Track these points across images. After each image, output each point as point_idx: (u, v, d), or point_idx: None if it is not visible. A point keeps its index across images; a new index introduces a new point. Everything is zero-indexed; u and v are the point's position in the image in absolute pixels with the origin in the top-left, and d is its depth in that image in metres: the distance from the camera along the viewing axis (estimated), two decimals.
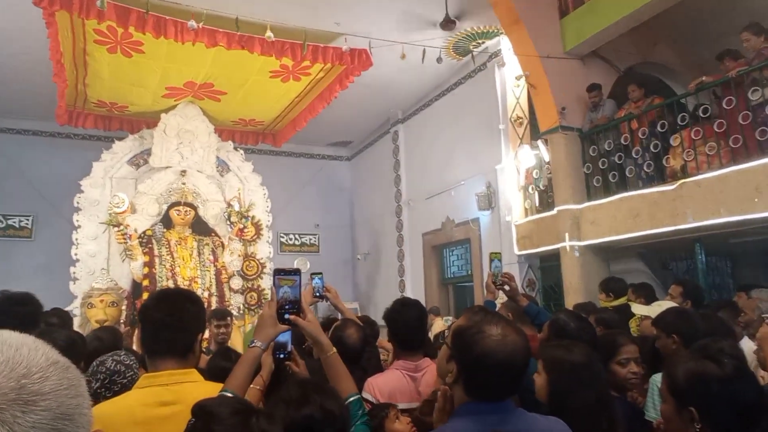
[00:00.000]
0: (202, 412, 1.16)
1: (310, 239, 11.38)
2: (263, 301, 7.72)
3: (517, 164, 7.09)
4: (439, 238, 8.81)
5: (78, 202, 7.59)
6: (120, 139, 8.03)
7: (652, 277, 5.78)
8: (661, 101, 5.80)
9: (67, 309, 4.89)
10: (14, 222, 9.46)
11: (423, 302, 8.62)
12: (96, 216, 7.51)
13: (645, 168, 5.63)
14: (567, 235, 5.98)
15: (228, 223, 7.72)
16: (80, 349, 2.19)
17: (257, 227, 7.95)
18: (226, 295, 7.47)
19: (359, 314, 9.49)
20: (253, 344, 1.58)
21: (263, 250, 8.09)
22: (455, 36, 6.97)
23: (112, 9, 5.38)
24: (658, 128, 5.53)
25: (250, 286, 7.75)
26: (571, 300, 5.76)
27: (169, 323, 1.57)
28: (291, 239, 11.19)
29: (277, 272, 1.64)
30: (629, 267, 6.03)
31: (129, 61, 6.60)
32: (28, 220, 9.50)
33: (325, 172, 11.73)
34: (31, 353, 0.60)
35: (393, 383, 2.35)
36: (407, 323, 2.47)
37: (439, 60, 6.42)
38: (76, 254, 7.42)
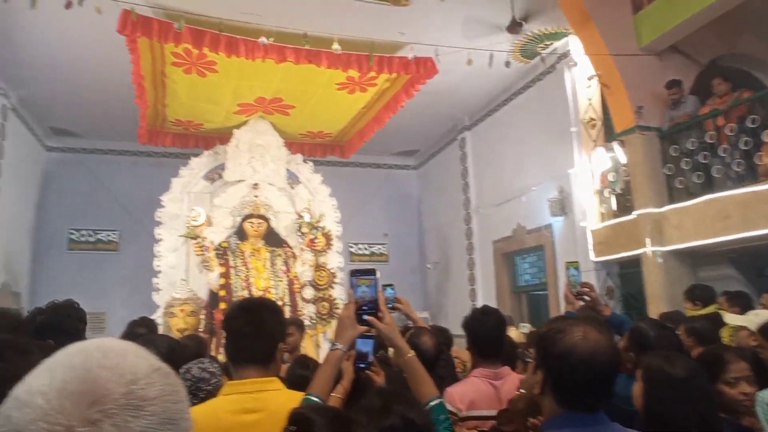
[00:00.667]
0: (301, 418, 1.16)
1: (379, 249, 11.47)
2: (335, 311, 7.83)
3: (591, 167, 6.85)
4: (511, 246, 8.63)
5: (159, 217, 7.92)
6: (196, 155, 8.39)
7: (746, 285, 5.40)
8: (750, 94, 5.43)
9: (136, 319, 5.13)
10: (103, 236, 10.15)
11: None
12: (175, 229, 7.84)
13: (734, 167, 5.28)
14: (648, 240, 5.70)
15: (299, 234, 7.91)
16: (179, 356, 2.29)
17: (327, 238, 8.08)
18: (298, 304, 7.63)
19: (430, 323, 9.45)
20: (334, 347, 1.60)
21: (334, 260, 8.21)
22: (522, 39, 6.84)
23: (187, 32, 5.68)
24: (748, 124, 5.18)
25: (321, 295, 7.88)
26: (654, 309, 5.48)
27: (249, 332, 1.62)
28: (360, 249, 11.33)
29: (354, 273, 1.65)
30: (719, 274, 5.66)
31: (203, 81, 6.92)
32: (115, 234, 10.16)
33: (393, 181, 11.82)
34: (135, 360, 0.62)
35: (473, 390, 2.36)
36: (487, 332, 2.50)
37: (507, 64, 6.33)
38: (158, 266, 7.75)
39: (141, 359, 0.63)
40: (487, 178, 9.34)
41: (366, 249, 11.38)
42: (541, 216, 7.71)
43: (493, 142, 9.17)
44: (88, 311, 6.43)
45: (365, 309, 1.61)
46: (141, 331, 3.16)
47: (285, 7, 5.98)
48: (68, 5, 4.78)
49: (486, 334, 2.50)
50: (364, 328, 1.61)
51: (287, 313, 7.38)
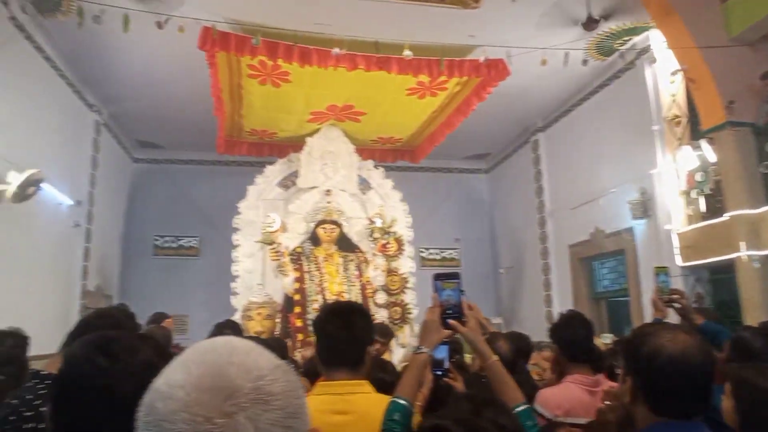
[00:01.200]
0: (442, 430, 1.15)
1: (451, 253, 11.41)
2: (407, 315, 7.86)
3: (676, 167, 6.53)
4: (588, 250, 8.36)
5: (236, 223, 8.20)
6: (270, 163, 8.67)
7: None
8: None
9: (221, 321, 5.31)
10: (185, 242, 10.70)
11: None
12: (252, 235, 8.10)
13: None
14: (743, 243, 5.36)
15: (371, 239, 7.99)
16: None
17: (399, 243, 8.11)
18: (371, 309, 7.72)
19: (503, 330, 9.29)
20: (419, 350, 1.62)
21: (405, 265, 8.24)
22: (598, 36, 6.63)
23: (262, 44, 5.90)
24: None
25: (393, 300, 7.92)
26: (750, 317, 5.15)
27: (341, 336, 1.68)
28: (431, 254, 11.31)
29: (439, 276, 1.67)
30: None
31: (277, 91, 7.16)
32: (195, 240, 10.69)
33: (463, 185, 11.74)
34: (259, 357, 0.67)
35: (569, 397, 2.33)
36: (576, 335, 2.50)
37: (585, 62, 6.15)
38: (235, 270, 8.05)
39: (263, 357, 0.68)
40: (562, 180, 9.09)
41: (437, 254, 11.36)
42: (621, 219, 7.42)
43: (567, 144, 8.93)
44: (173, 314, 6.78)
45: (449, 313, 1.63)
46: (227, 333, 3.31)
47: (355, 17, 6.10)
48: (160, 25, 5.12)
49: (575, 338, 2.52)
50: (450, 332, 1.63)
51: None
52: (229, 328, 3.47)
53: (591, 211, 8.14)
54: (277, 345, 3.00)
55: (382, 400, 1.58)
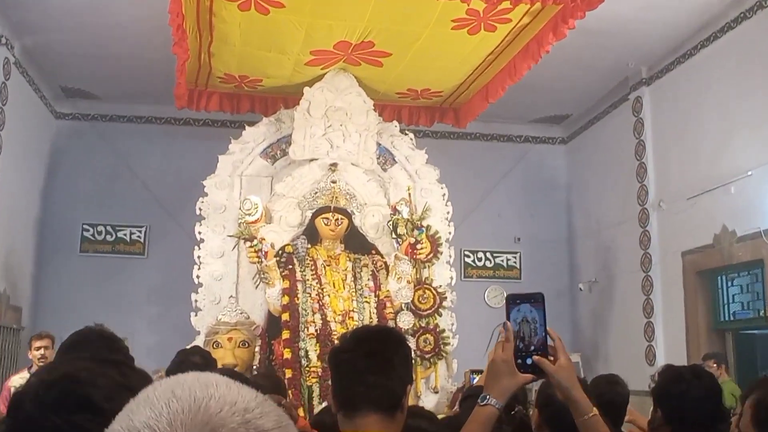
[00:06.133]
0: None
1: (508, 259, 11.50)
2: (443, 347, 7.92)
3: None
4: (710, 260, 8.39)
5: (200, 209, 8.22)
6: (251, 123, 8.74)
7: None
8: None
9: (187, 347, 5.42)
10: (124, 234, 10.86)
11: (684, 354, 8.18)
12: (222, 226, 8.14)
13: None
14: None
15: (394, 236, 8.03)
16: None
17: (434, 242, 8.18)
18: None
19: (581, 371, 9.34)
20: (485, 401, 1.71)
21: (442, 274, 8.29)
22: None
23: None
24: None
25: (424, 325, 7.99)
26: None
27: (370, 370, 1.78)
28: (480, 259, 11.39)
29: (512, 299, 1.76)
30: None
31: (265, 20, 7.19)
32: (140, 231, 10.85)
33: (530, 161, 11.79)
34: (241, 390, 0.78)
35: None
36: (696, 402, 2.54)
37: None
38: (198, 277, 8.03)
39: (245, 389, 0.79)
40: (675, 157, 9.12)
41: (489, 260, 11.44)
42: (762, 215, 7.45)
43: (684, 104, 8.94)
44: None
45: (530, 350, 1.71)
46: (196, 360, 3.43)
47: None
48: None
49: (694, 406, 2.54)
50: (529, 376, 1.71)
51: None
52: (198, 355, 3.60)
53: (716, 203, 8.17)
54: (269, 384, 3.11)
55: None
